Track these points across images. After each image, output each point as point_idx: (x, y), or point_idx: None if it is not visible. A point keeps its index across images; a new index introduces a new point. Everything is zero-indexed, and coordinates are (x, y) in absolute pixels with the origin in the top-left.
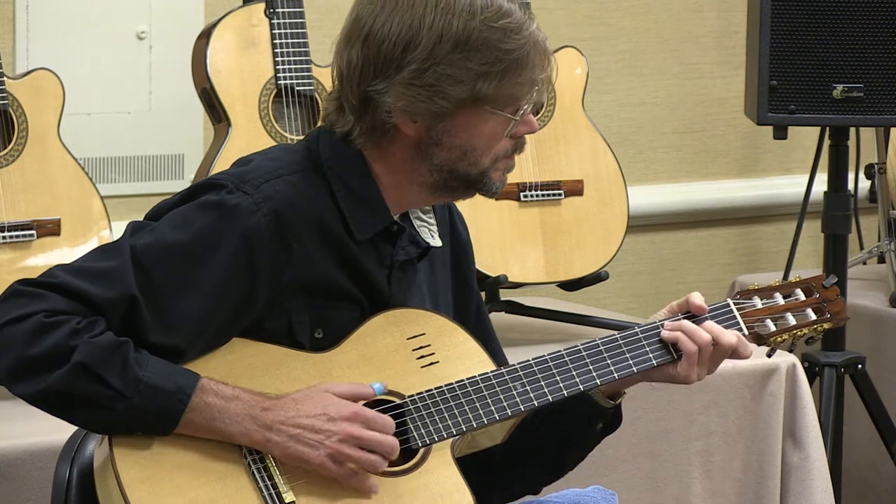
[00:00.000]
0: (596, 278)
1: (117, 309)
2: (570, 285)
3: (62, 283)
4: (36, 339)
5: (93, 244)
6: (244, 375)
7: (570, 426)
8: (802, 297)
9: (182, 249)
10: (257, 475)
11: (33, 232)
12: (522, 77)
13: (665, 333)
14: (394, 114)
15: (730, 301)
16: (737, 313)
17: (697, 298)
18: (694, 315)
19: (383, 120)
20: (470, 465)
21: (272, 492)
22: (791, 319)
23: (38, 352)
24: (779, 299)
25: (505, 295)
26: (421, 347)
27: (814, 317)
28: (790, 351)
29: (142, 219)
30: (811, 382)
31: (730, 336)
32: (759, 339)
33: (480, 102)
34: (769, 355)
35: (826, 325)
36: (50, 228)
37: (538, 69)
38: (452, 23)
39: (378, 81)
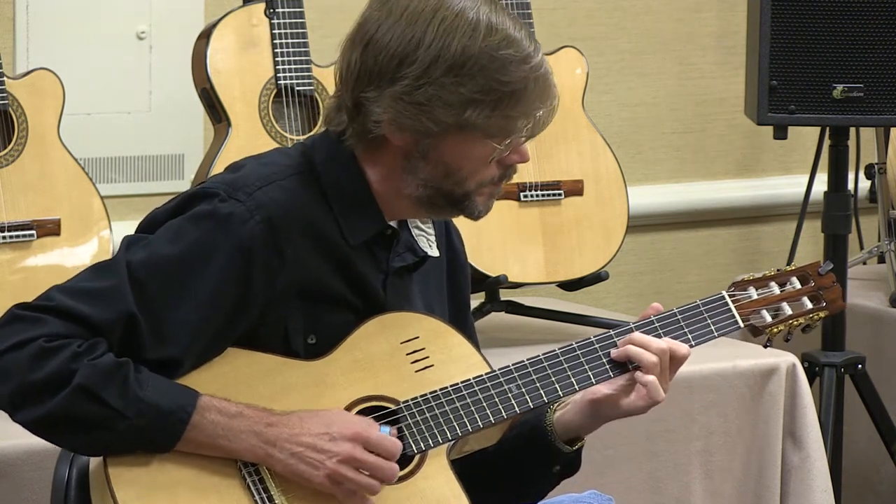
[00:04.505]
0: (596, 278)
1: (116, 328)
2: (570, 285)
3: (60, 307)
4: (37, 364)
5: (93, 244)
6: (240, 385)
7: (528, 466)
8: (798, 285)
9: (177, 262)
10: (253, 488)
11: (33, 232)
12: (516, 111)
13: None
14: (381, 124)
15: (724, 293)
16: (731, 305)
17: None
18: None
19: (370, 128)
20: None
21: None
22: (787, 309)
23: (39, 377)
24: (774, 289)
25: (505, 295)
26: (415, 351)
27: (810, 305)
28: (786, 341)
29: (138, 223)
30: (811, 382)
31: (659, 343)
32: (755, 330)
33: (468, 129)
34: (766, 346)
35: (822, 314)
36: (50, 228)
37: (535, 104)
38: (451, 44)
39: (371, 90)
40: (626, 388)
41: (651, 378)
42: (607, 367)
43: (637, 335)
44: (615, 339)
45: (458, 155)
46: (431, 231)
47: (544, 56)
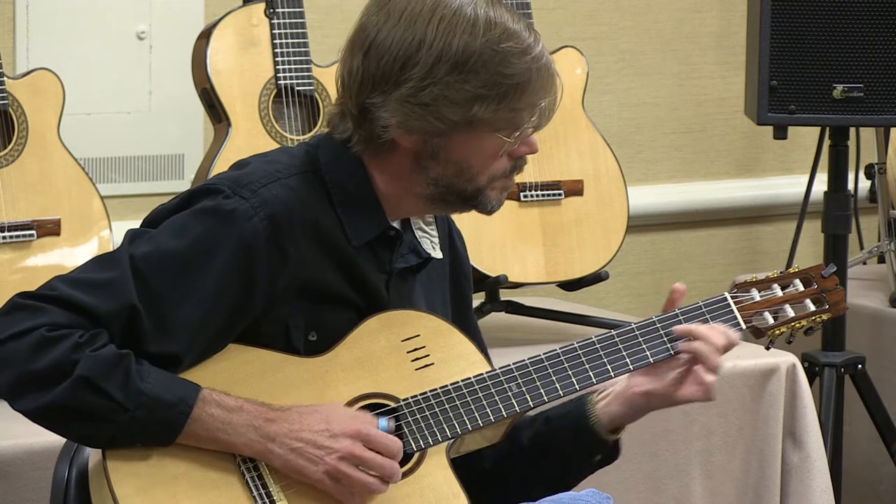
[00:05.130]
0: (596, 278)
1: (118, 320)
2: (570, 285)
3: (63, 296)
4: (38, 354)
5: (93, 244)
6: (240, 382)
7: (569, 455)
8: (801, 287)
9: (180, 257)
10: (251, 483)
11: (33, 232)
12: (521, 102)
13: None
14: (390, 128)
15: (727, 295)
16: (734, 307)
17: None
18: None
19: (378, 133)
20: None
21: (266, 500)
22: (789, 311)
23: (40, 367)
24: (777, 291)
25: (505, 295)
26: (416, 349)
27: (813, 308)
28: (789, 342)
29: (140, 222)
30: (811, 382)
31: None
32: (757, 332)
33: (476, 124)
34: (768, 348)
35: (825, 316)
36: (50, 228)
37: (540, 94)
38: (452, 43)
39: (376, 95)
40: (677, 379)
41: (713, 378)
42: (608, 367)
43: (706, 332)
44: (616, 339)
45: (468, 152)
46: (435, 233)
47: (544, 46)
